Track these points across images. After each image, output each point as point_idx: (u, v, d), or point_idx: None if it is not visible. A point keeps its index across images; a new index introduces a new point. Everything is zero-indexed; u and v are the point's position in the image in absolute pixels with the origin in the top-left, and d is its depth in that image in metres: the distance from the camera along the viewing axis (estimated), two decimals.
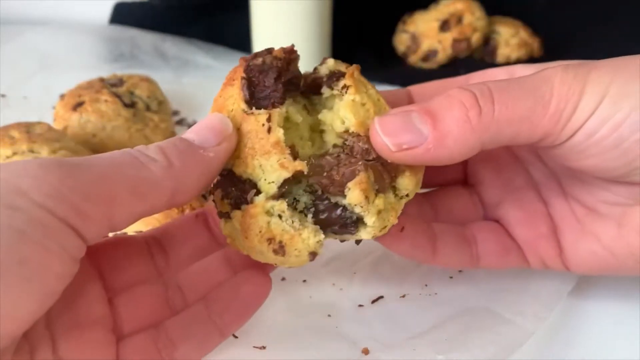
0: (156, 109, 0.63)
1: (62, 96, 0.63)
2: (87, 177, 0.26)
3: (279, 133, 0.31)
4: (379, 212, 0.31)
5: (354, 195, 0.31)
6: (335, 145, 0.33)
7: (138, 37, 0.85)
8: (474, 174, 0.42)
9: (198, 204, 0.46)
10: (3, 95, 0.71)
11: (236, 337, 0.38)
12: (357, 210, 0.31)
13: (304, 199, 0.32)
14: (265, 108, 0.32)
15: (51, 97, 0.69)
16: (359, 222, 0.31)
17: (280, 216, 0.31)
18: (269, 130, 0.31)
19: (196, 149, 0.30)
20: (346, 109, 0.32)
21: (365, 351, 0.38)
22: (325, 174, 0.31)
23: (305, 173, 0.31)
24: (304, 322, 0.40)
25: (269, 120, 0.31)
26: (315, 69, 0.35)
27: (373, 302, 0.42)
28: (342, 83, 0.33)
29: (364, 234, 0.32)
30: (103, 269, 0.33)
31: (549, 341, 0.39)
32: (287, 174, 0.30)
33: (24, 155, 0.50)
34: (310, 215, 0.31)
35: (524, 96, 0.31)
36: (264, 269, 0.35)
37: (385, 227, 0.32)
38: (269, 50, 0.32)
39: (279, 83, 0.32)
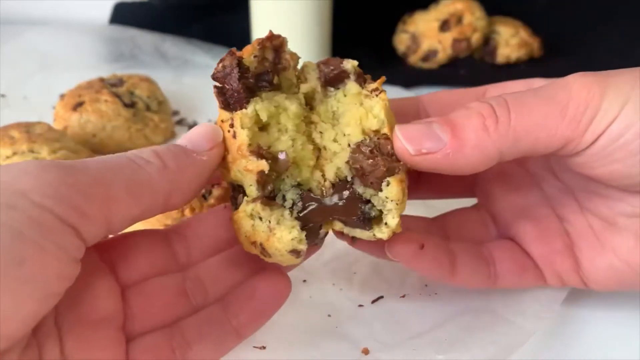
0: (156, 109, 0.64)
1: (62, 96, 0.63)
2: (85, 177, 0.26)
3: (242, 136, 0.31)
4: (400, 214, 0.31)
5: (394, 191, 0.31)
6: (364, 140, 0.33)
7: (138, 37, 0.84)
8: (486, 191, 0.41)
9: (198, 204, 0.46)
10: (3, 95, 0.71)
11: None
12: (389, 206, 0.31)
13: (290, 195, 0.32)
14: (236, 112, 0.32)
15: (51, 97, 0.69)
16: (373, 220, 0.32)
17: (261, 218, 0.31)
18: (234, 135, 0.31)
19: (190, 152, 0.31)
20: (381, 110, 0.32)
21: (365, 351, 0.38)
22: (370, 161, 0.31)
23: (266, 172, 0.30)
24: (304, 322, 0.40)
25: (232, 125, 0.31)
26: (325, 62, 0.34)
27: (373, 302, 0.42)
28: (372, 86, 0.33)
29: (379, 232, 0.32)
30: (116, 263, 0.32)
31: (549, 341, 0.39)
32: (253, 176, 0.31)
33: (24, 155, 0.50)
34: (287, 212, 0.31)
35: (540, 103, 0.31)
36: (281, 269, 0.34)
37: (394, 232, 0.32)
38: (231, 52, 0.32)
39: (240, 83, 0.31)
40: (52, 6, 0.89)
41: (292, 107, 0.33)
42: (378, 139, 0.32)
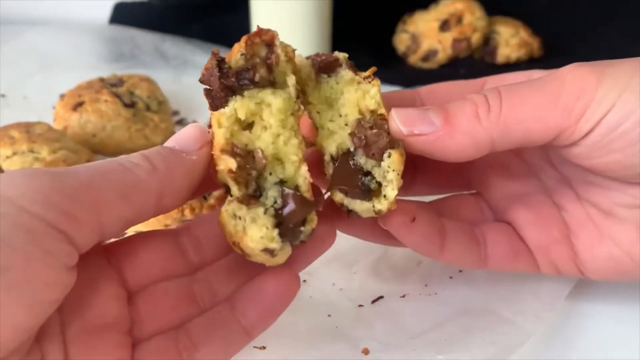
0: (156, 109, 0.64)
1: (62, 96, 0.63)
2: (74, 183, 0.26)
3: (218, 136, 0.31)
4: (398, 188, 0.32)
5: (395, 161, 0.32)
6: (364, 117, 0.34)
7: (138, 37, 0.85)
8: (483, 181, 0.41)
9: (198, 204, 0.46)
10: (3, 95, 0.71)
11: None
12: (390, 176, 0.32)
13: (271, 192, 0.31)
14: None
15: (51, 97, 0.69)
16: (372, 193, 0.33)
17: (240, 217, 0.30)
18: (213, 135, 0.31)
19: (178, 153, 0.31)
20: (377, 93, 0.34)
21: (365, 351, 0.38)
22: (375, 130, 0.32)
23: (234, 170, 0.30)
24: (304, 322, 0.40)
25: (210, 126, 0.32)
26: (315, 55, 0.35)
27: (373, 302, 0.42)
28: (365, 74, 0.34)
29: (378, 204, 0.32)
30: (124, 266, 0.32)
31: (549, 341, 0.39)
32: (228, 175, 0.30)
33: (24, 155, 0.50)
34: (261, 209, 0.30)
35: (533, 94, 0.32)
36: (289, 265, 0.33)
37: (391, 208, 0.32)
38: (213, 53, 0.32)
39: (219, 83, 0.32)
40: (52, 6, 0.89)
41: (276, 101, 0.32)
42: (375, 119, 0.33)
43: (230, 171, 0.30)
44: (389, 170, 0.32)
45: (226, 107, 0.31)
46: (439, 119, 0.32)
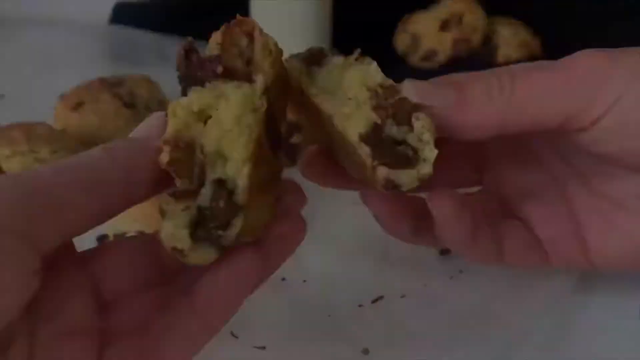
0: (156, 109, 0.63)
1: (62, 96, 0.63)
2: (32, 182, 0.26)
3: (169, 126, 0.29)
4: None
5: (426, 122, 0.31)
6: (377, 91, 0.33)
7: (138, 37, 0.84)
8: (493, 173, 0.41)
9: None
10: (3, 95, 0.71)
11: (236, 337, 0.38)
12: (426, 137, 0.31)
13: (205, 190, 0.28)
14: None
15: (51, 97, 0.69)
16: (411, 160, 0.31)
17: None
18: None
19: (139, 141, 0.30)
20: (377, 70, 0.33)
21: (365, 351, 0.38)
22: (397, 97, 0.32)
23: (164, 163, 0.28)
24: (304, 322, 0.40)
25: (166, 115, 0.30)
26: (296, 54, 0.35)
27: (373, 302, 0.42)
28: (354, 56, 0.34)
29: (423, 168, 0.31)
30: (98, 276, 0.31)
31: (549, 341, 0.39)
32: (166, 168, 0.28)
33: (24, 155, 0.50)
34: (180, 206, 0.28)
35: (546, 76, 0.32)
36: (250, 254, 0.30)
37: (431, 172, 0.31)
38: (187, 40, 0.32)
39: (180, 73, 0.31)
40: (51, 6, 0.89)
41: (235, 95, 0.30)
42: (386, 90, 0.33)
43: (165, 164, 0.28)
44: (424, 131, 0.31)
45: (184, 98, 0.30)
46: (451, 92, 0.32)
